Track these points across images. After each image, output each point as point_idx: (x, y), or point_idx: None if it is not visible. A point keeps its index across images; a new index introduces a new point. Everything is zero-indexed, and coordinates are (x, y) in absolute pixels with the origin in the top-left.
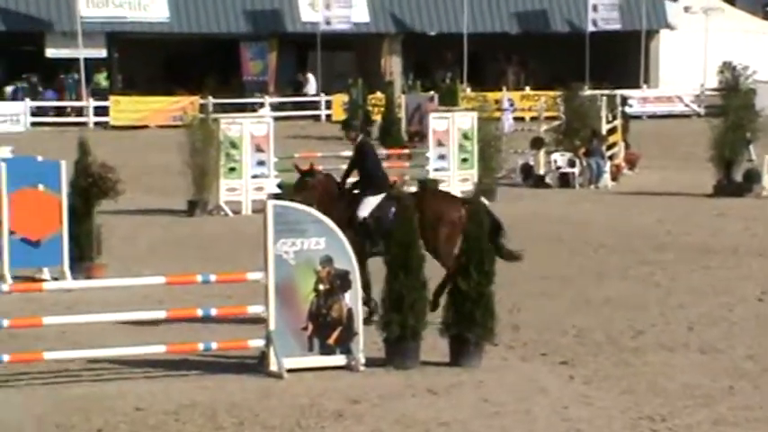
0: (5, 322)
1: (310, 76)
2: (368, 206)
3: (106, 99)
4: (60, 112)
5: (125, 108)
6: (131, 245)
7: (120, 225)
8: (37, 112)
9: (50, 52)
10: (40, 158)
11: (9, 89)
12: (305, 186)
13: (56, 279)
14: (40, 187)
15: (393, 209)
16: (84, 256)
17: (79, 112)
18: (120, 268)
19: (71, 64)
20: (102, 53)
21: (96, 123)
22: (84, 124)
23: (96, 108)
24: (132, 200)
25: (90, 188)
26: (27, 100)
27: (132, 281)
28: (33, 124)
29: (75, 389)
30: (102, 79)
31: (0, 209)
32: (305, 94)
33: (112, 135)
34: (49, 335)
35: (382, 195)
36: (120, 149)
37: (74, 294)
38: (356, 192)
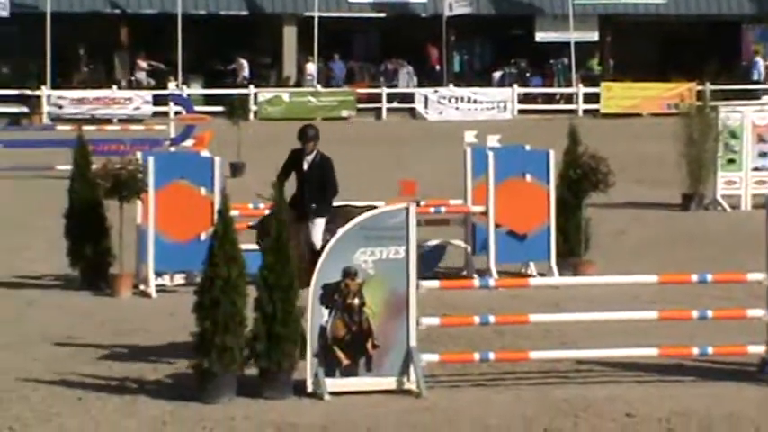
0: (492, 318)
1: None
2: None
3: (597, 85)
4: (548, 98)
5: (616, 95)
6: (620, 240)
7: (609, 219)
8: (524, 98)
9: (540, 36)
10: (527, 147)
11: (497, 75)
12: None
13: (542, 275)
14: (528, 178)
15: None
16: (571, 251)
17: (568, 99)
18: (608, 265)
19: (561, 48)
20: (594, 36)
21: (586, 111)
22: (572, 112)
23: (586, 95)
24: (622, 192)
25: (580, 179)
26: (515, 86)
27: (622, 278)
28: (520, 111)
29: (562, 390)
30: (594, 64)
31: (487, 200)
32: None
33: (603, 123)
34: (535, 333)
35: None
36: (610, 138)
37: (560, 291)
38: None
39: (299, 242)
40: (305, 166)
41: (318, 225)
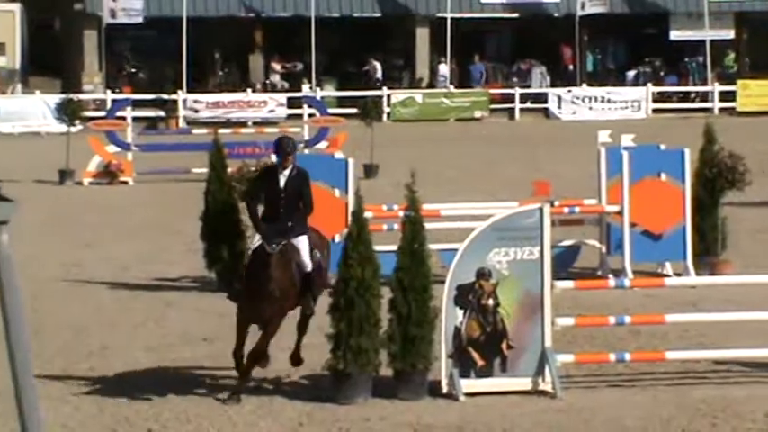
0: (627, 319)
1: None
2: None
3: (733, 83)
4: (683, 97)
5: (753, 92)
6: (758, 239)
7: (746, 218)
8: (658, 97)
9: (674, 35)
10: (662, 147)
11: (630, 74)
12: None
13: (678, 275)
14: (663, 177)
15: None
16: (708, 250)
17: (703, 97)
18: (745, 264)
19: (696, 47)
20: (730, 34)
21: (721, 109)
22: (708, 110)
23: (721, 93)
24: (760, 191)
25: (716, 178)
26: (649, 85)
27: (760, 278)
28: (654, 110)
29: (700, 391)
30: (730, 62)
31: (622, 200)
32: None
33: (739, 121)
34: (672, 333)
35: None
36: (747, 137)
37: (697, 291)
38: None
39: (285, 268)
40: (281, 182)
41: (302, 244)
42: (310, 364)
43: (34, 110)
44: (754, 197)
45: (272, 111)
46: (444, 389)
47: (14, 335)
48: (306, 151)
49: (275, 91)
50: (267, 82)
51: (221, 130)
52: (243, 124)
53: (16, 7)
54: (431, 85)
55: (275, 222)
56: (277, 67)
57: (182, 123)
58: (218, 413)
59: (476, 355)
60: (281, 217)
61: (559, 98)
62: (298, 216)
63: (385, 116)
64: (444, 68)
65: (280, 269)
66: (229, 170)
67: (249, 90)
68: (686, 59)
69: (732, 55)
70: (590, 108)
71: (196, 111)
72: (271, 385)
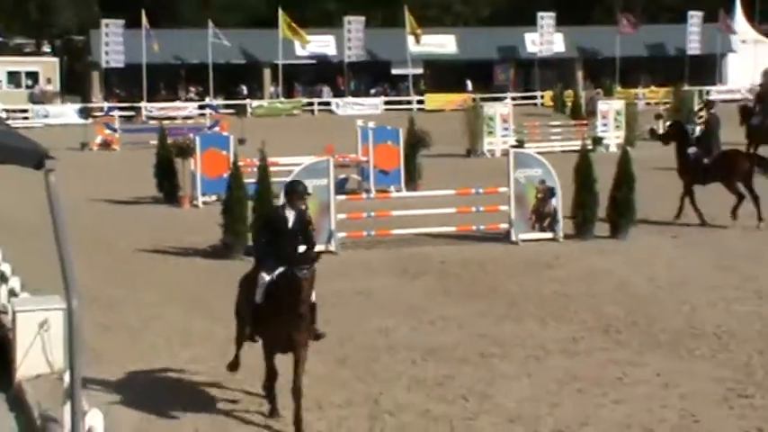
0: (373, 213)
1: None
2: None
3: (422, 94)
4: (398, 102)
5: (433, 99)
6: (438, 171)
7: (432, 162)
8: (387, 102)
9: (394, 71)
10: (388, 127)
11: (372, 91)
12: None
13: (398, 191)
14: (389, 143)
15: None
16: (412, 178)
17: (408, 102)
18: (429, 186)
19: (404, 77)
20: (420, 70)
21: (418, 109)
22: (410, 109)
23: (418, 100)
24: (442, 149)
25: (415, 143)
26: (381, 97)
27: (434, 192)
28: (385, 110)
29: (410, 250)
30: (421, 84)
31: (369, 154)
32: None
33: (427, 115)
34: (397, 222)
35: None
36: (430, 122)
37: (407, 201)
38: None
39: (310, 293)
40: (289, 224)
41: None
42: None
43: (67, 111)
44: (438, 151)
45: (190, 111)
46: None
47: (60, 233)
48: (208, 132)
49: (191, 101)
50: (188, 96)
51: (165, 122)
52: (175, 118)
53: (56, 59)
54: (271, 98)
55: (282, 259)
56: (192, 89)
57: (144, 118)
58: None
59: None
60: (288, 255)
61: (337, 104)
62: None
63: (249, 113)
64: (276, 89)
65: (308, 293)
66: (169, 141)
67: (178, 101)
68: (400, 83)
69: (422, 81)
70: (353, 108)
71: (151, 111)
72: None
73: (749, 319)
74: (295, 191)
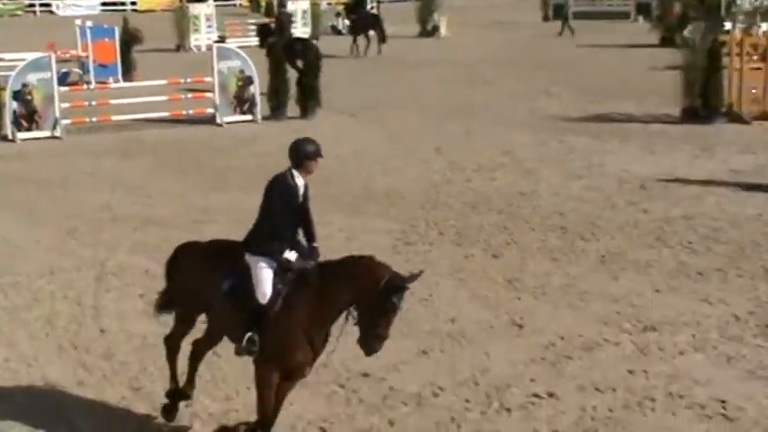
0: (94, 102)
1: None
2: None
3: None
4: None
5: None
6: (153, 60)
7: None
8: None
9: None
10: (106, 25)
11: None
12: None
13: (130, 81)
14: (107, 40)
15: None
16: (128, 71)
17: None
18: (146, 78)
19: None
20: None
21: (132, 10)
22: (118, 9)
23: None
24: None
25: (129, 41)
26: None
27: (145, 83)
28: (102, 11)
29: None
30: None
31: (89, 50)
32: None
33: (137, 15)
34: (119, 108)
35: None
36: (141, 24)
37: (123, 91)
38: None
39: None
40: (300, 198)
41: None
42: None
43: None
44: (151, 47)
45: None
46: (9, 137)
47: None
48: None
49: None
50: None
51: None
52: None
53: None
54: None
55: (285, 241)
56: None
57: None
58: None
59: (24, 122)
60: (292, 236)
61: (57, 5)
62: (312, 233)
63: None
64: None
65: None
66: None
67: None
68: None
69: None
70: (72, 10)
71: None
72: None
73: (415, 181)
74: (313, 153)
